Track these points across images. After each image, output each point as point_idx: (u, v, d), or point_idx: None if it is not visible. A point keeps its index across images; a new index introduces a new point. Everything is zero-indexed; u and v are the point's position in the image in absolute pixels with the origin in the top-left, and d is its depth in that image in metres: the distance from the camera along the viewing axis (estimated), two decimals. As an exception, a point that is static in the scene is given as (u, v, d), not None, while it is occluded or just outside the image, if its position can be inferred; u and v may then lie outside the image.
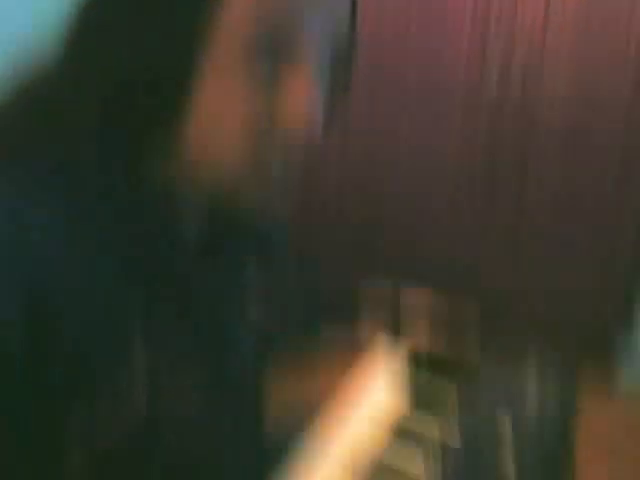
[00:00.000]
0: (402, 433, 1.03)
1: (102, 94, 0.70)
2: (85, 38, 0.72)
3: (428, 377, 1.13)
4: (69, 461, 0.73)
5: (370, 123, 2.56)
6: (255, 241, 0.95)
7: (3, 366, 0.66)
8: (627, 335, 2.33)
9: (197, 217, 0.85)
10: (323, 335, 1.25)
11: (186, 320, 0.84)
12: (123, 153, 0.74)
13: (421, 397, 1.10)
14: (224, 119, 0.71)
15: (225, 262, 0.90)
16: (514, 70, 2.35)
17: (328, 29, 0.71)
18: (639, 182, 2.29)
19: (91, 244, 0.72)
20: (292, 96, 0.70)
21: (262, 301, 0.95)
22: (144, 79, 0.69)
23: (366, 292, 1.25)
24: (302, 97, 0.70)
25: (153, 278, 0.78)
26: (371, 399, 1.09)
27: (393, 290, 1.26)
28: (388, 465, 0.98)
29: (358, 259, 2.53)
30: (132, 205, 0.76)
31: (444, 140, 2.49)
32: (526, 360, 1.18)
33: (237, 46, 0.69)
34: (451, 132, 2.48)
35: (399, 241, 2.62)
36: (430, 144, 2.52)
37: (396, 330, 1.22)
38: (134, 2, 0.69)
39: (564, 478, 1.09)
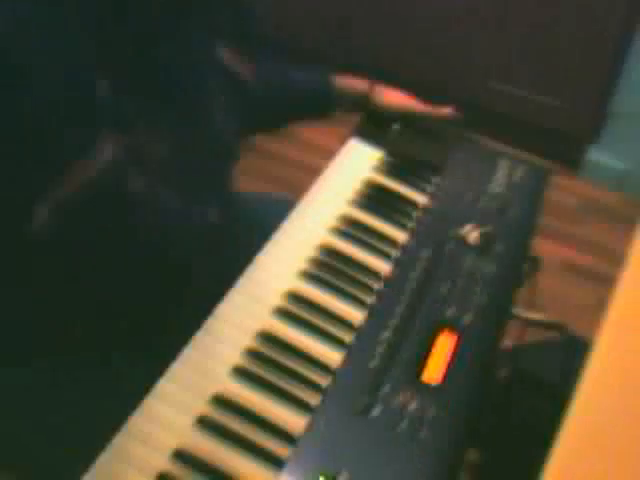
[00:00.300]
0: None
1: None
2: None
3: (404, 166, 1.15)
4: (37, 219, 0.74)
5: None
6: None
7: None
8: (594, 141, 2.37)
9: None
10: (296, 121, 1.23)
11: (155, 71, 0.83)
12: None
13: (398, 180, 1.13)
14: None
15: (195, 12, 0.89)
16: None
17: None
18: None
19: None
20: None
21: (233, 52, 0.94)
22: None
23: (342, 83, 1.22)
24: None
25: (120, 32, 0.77)
26: (341, 183, 1.11)
27: (370, 83, 1.23)
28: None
29: (334, 49, 2.45)
30: None
31: None
32: (497, 157, 1.19)
33: None
34: None
35: (373, 33, 2.54)
36: None
37: (372, 122, 1.19)
38: None
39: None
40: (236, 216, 1.04)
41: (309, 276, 0.95)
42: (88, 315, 0.88)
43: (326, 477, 0.74)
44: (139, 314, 0.90)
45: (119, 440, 0.74)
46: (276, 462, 0.76)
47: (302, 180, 1.12)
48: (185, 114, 0.89)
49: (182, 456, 0.74)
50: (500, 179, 1.15)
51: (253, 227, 1.02)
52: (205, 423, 0.78)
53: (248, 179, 1.19)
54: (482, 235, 1.02)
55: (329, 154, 1.15)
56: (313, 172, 1.12)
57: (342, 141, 1.18)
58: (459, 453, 0.81)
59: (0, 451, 0.92)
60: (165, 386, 0.79)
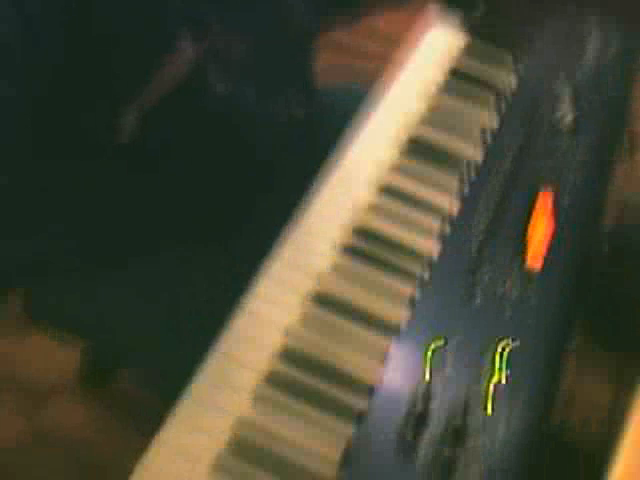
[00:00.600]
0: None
1: None
2: None
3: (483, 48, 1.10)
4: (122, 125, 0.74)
5: None
6: None
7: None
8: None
9: None
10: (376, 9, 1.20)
11: None
12: None
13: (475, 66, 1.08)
14: None
15: None
16: None
17: None
18: None
19: None
20: None
21: None
22: None
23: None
24: None
25: None
26: (425, 70, 1.07)
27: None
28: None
29: None
30: None
31: None
32: (588, 30, 1.12)
33: None
34: None
35: None
36: None
37: (452, 6, 1.16)
38: None
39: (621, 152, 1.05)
40: (318, 110, 1.03)
41: (400, 168, 0.94)
42: (172, 211, 0.90)
43: (430, 365, 0.74)
44: (226, 211, 0.92)
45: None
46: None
47: (381, 71, 1.09)
48: (263, 11, 0.88)
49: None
50: (593, 52, 1.09)
51: (336, 120, 1.01)
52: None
53: (327, 74, 1.17)
54: (577, 115, 0.98)
55: (407, 44, 1.11)
56: (392, 63, 1.08)
57: (420, 30, 1.14)
58: (566, 336, 0.80)
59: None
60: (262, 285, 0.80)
